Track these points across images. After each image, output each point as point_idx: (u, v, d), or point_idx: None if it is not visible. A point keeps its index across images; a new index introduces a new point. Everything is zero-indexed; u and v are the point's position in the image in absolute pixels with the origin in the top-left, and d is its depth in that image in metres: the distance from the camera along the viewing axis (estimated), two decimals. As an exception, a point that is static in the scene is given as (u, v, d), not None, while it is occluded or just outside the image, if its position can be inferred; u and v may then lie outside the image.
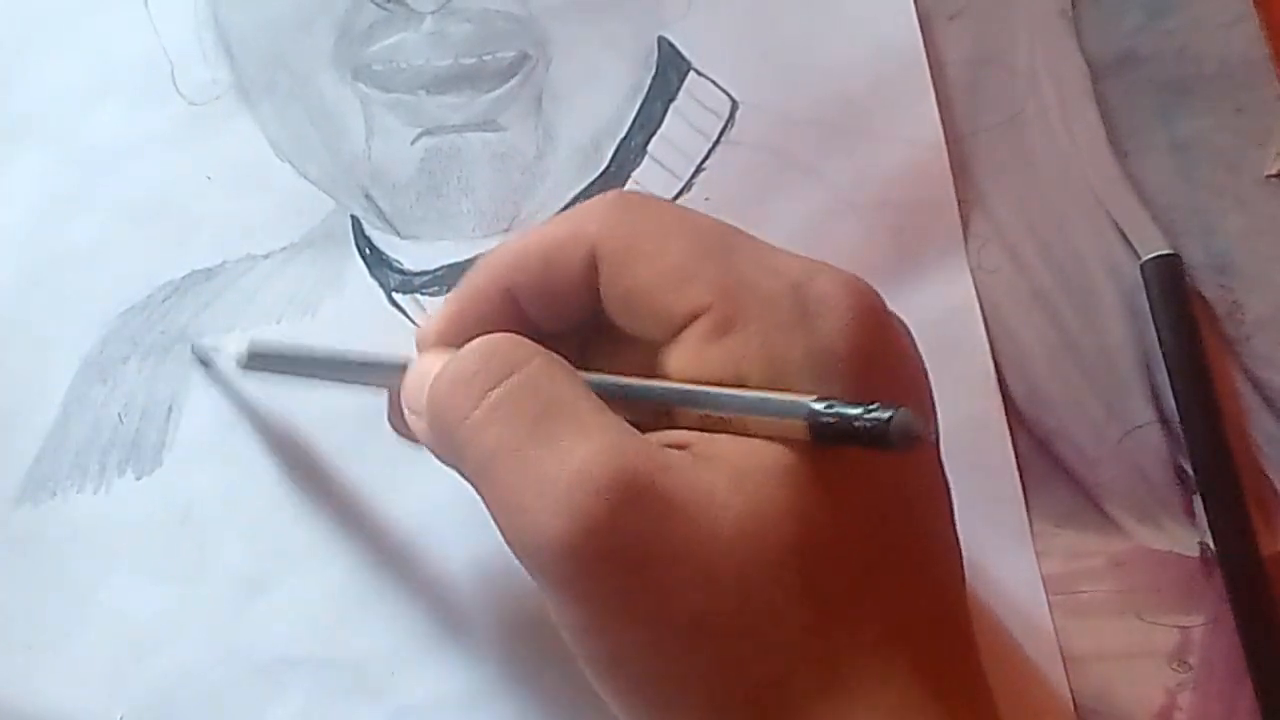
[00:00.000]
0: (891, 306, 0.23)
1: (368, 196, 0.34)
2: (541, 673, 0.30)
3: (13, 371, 0.33)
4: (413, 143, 0.34)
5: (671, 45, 0.34)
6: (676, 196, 0.33)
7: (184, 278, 0.34)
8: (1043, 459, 0.30)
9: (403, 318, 0.33)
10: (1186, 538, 0.30)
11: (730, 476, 0.20)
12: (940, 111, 0.32)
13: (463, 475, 0.23)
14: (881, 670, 0.20)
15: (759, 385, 0.21)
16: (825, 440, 0.20)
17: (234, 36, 0.35)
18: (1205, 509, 0.30)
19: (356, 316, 0.33)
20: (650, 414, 0.22)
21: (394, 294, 0.33)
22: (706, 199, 0.33)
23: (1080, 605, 0.29)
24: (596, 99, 0.33)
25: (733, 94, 0.33)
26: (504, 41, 0.34)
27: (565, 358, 0.23)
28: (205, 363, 0.32)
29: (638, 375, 0.23)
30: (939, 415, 0.25)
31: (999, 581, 0.29)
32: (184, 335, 0.33)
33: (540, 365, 0.22)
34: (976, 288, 0.32)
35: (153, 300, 0.34)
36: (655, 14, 0.34)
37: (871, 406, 0.20)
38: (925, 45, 0.33)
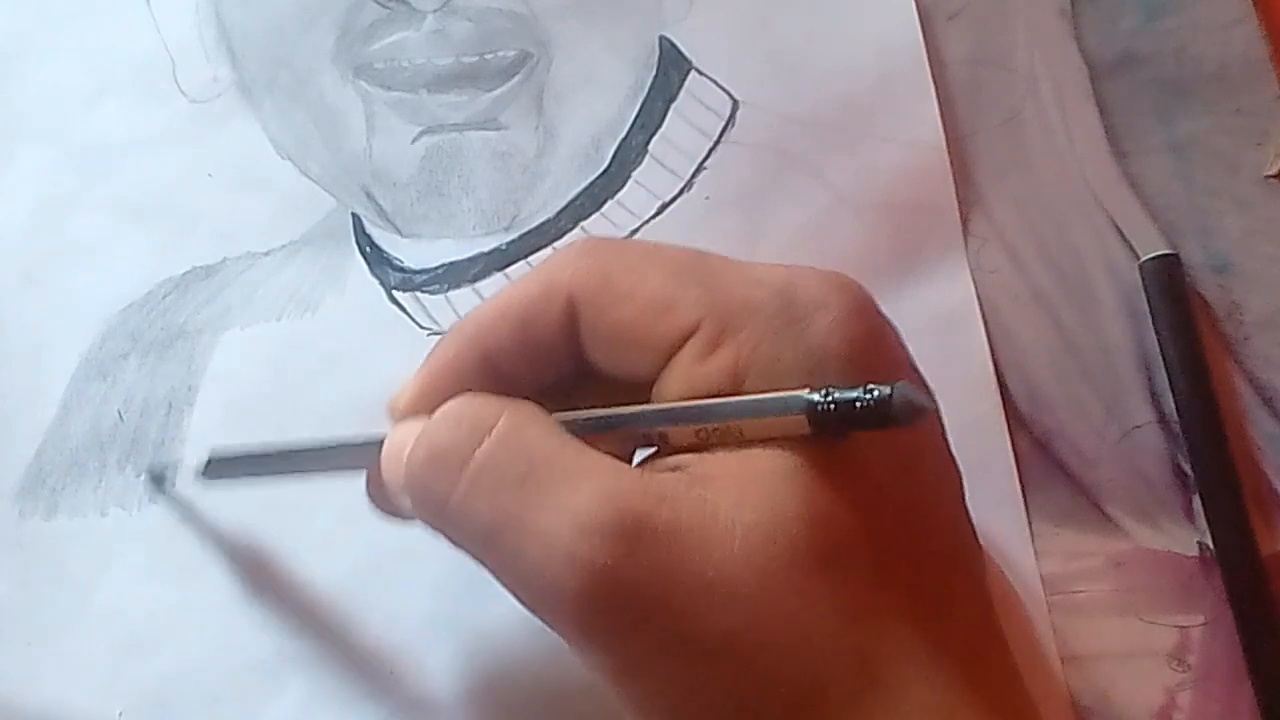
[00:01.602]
0: (891, 306, 0.23)
1: (368, 194, 0.33)
2: (540, 671, 0.29)
3: (12, 368, 0.33)
4: (414, 141, 0.33)
5: (673, 45, 0.33)
6: (677, 196, 0.32)
7: (184, 274, 0.33)
8: (1042, 459, 0.30)
9: (403, 316, 0.32)
10: (1185, 537, 0.29)
11: (731, 492, 0.20)
12: (940, 112, 0.32)
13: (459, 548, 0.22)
14: (919, 664, 0.20)
15: (755, 392, 0.21)
16: (827, 430, 0.20)
17: (236, 34, 0.34)
18: (1204, 509, 0.29)
19: (357, 314, 0.32)
20: (640, 444, 0.21)
21: (394, 292, 0.33)
22: (707, 198, 0.32)
23: (1079, 605, 0.29)
24: (597, 98, 0.33)
25: (734, 94, 0.33)
26: (505, 40, 0.33)
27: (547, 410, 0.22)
28: (158, 483, 0.31)
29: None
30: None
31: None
32: (184, 332, 0.33)
33: (511, 421, 0.21)
34: (976, 288, 0.31)
35: (153, 297, 0.33)
36: (656, 14, 0.33)
37: (869, 386, 0.19)
38: (924, 45, 0.32)
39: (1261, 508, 0.29)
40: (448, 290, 0.32)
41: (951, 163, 0.32)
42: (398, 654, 0.30)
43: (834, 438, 0.20)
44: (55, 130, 0.34)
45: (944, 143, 0.32)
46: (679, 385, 0.21)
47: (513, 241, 0.33)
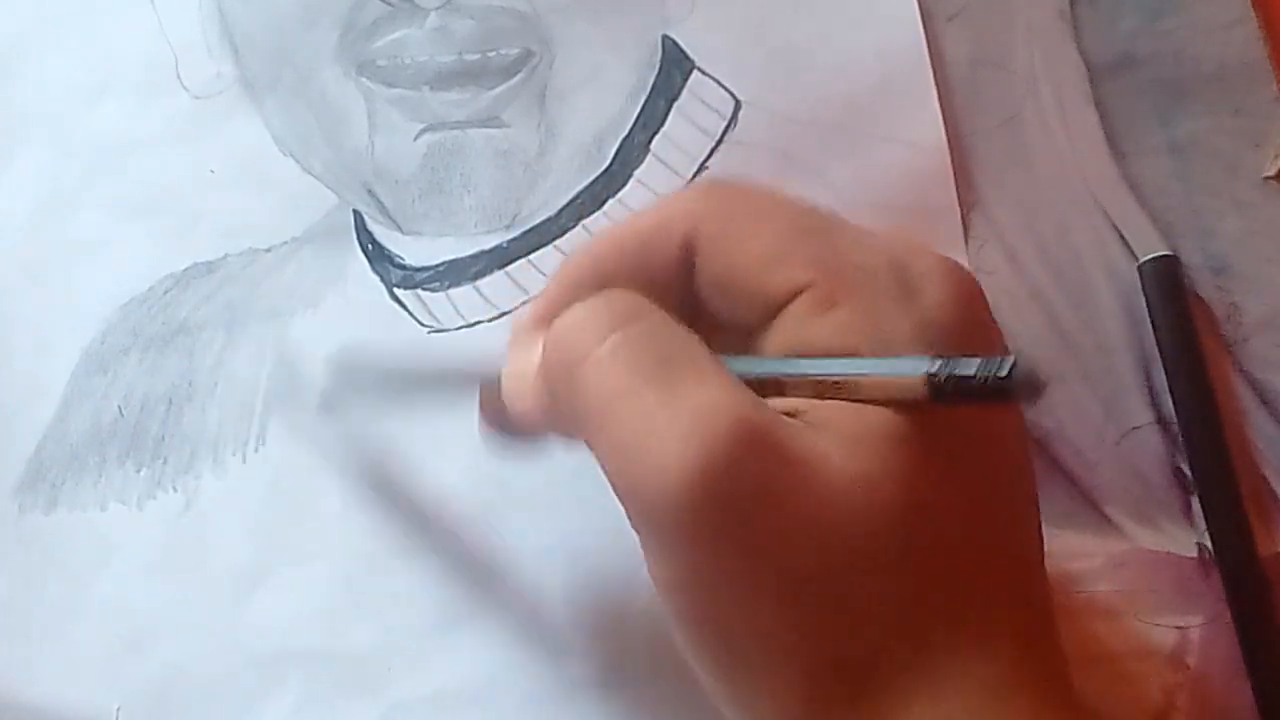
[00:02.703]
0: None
1: (370, 192, 0.33)
2: (539, 668, 0.29)
3: (14, 363, 0.33)
4: (416, 138, 0.33)
5: (675, 44, 0.33)
6: (678, 195, 0.32)
7: (185, 270, 0.33)
8: (1041, 460, 0.29)
9: (404, 313, 0.32)
10: (1184, 538, 0.29)
11: (842, 441, 0.20)
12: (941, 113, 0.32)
13: (572, 430, 0.22)
14: (976, 645, 0.20)
15: (867, 354, 0.21)
16: (945, 398, 0.19)
17: (239, 31, 0.34)
18: (1203, 510, 0.29)
19: (358, 311, 0.32)
20: (756, 389, 0.21)
21: (395, 289, 0.32)
22: (708, 197, 0.32)
23: (1078, 606, 0.28)
24: (600, 97, 0.32)
25: (736, 93, 0.32)
26: (508, 38, 0.33)
27: None
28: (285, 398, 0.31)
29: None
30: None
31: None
32: (185, 328, 0.32)
33: (662, 317, 0.21)
34: (975, 288, 0.31)
35: (154, 293, 0.33)
36: (659, 13, 0.33)
37: (991, 359, 0.19)
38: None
39: (1260, 509, 0.29)
40: (449, 288, 0.32)
41: (951, 163, 0.31)
42: (396, 651, 0.29)
43: (948, 405, 0.20)
44: (58, 126, 0.34)
45: (946, 144, 0.31)
46: (787, 339, 0.21)
47: (514, 239, 0.32)
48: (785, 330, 0.21)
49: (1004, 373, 0.19)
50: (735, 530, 0.19)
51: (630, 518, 0.21)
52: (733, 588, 0.20)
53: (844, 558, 0.20)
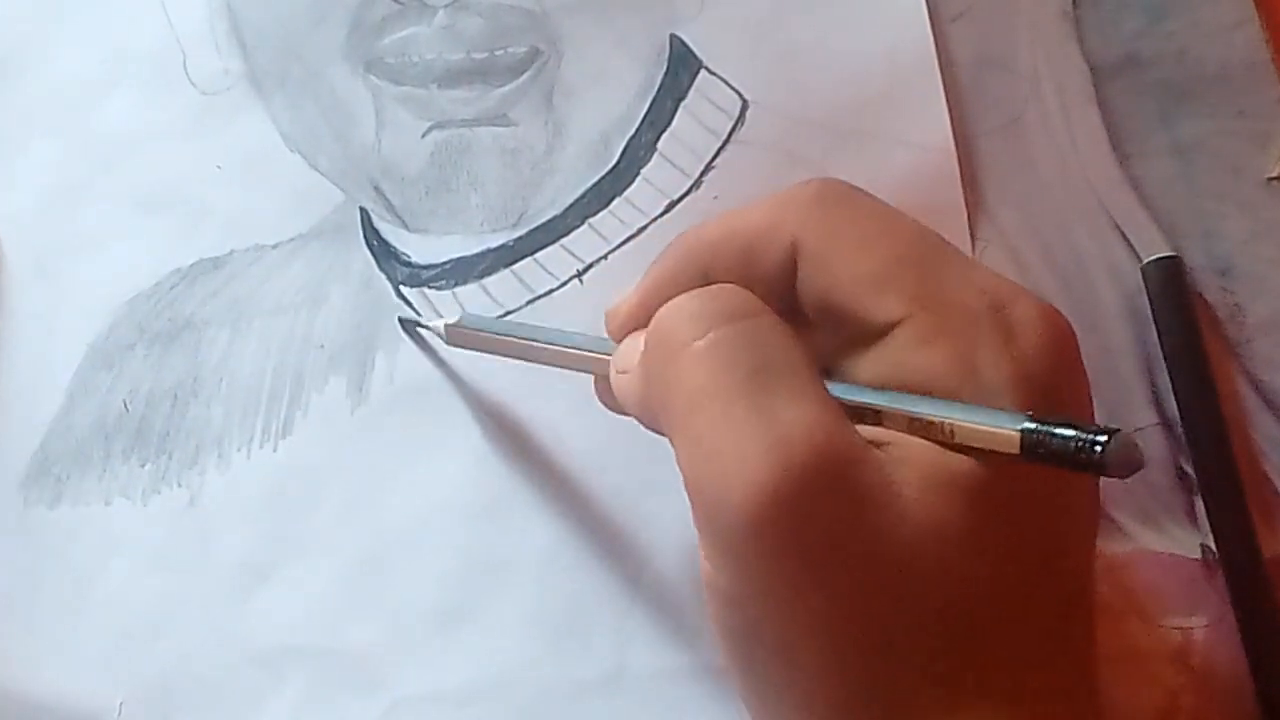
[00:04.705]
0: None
1: (377, 189, 0.32)
2: (540, 667, 0.28)
3: (21, 357, 0.32)
4: (423, 136, 0.32)
5: (683, 43, 0.32)
6: (685, 195, 0.31)
7: (192, 266, 0.32)
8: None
9: (409, 311, 0.31)
10: (1188, 540, 0.28)
11: (922, 485, 0.19)
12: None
13: (655, 422, 0.21)
14: (1010, 710, 0.19)
15: (963, 396, 0.20)
16: (1035, 457, 0.19)
17: (247, 27, 0.33)
18: (1207, 511, 0.28)
19: (363, 309, 0.31)
20: (851, 410, 0.21)
21: (401, 287, 0.31)
22: (715, 198, 0.31)
23: (1081, 605, 0.27)
24: (607, 95, 0.32)
25: (743, 93, 0.31)
26: (516, 36, 0.32)
27: None
28: (409, 334, 0.30)
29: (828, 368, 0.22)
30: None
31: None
32: (190, 323, 0.31)
33: (770, 320, 0.21)
34: (979, 289, 0.30)
35: (160, 288, 0.32)
36: (667, 12, 0.32)
37: (1089, 428, 0.18)
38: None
39: (1264, 510, 0.28)
40: (454, 286, 0.31)
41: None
42: (398, 648, 0.28)
43: (1036, 464, 0.19)
44: (66, 121, 0.33)
45: (953, 145, 0.30)
46: (884, 367, 0.21)
47: (520, 238, 0.31)
48: (883, 358, 0.21)
49: (1100, 447, 0.18)
50: (799, 555, 0.19)
51: (696, 517, 0.20)
52: (782, 608, 0.19)
53: (897, 604, 0.19)
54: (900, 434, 0.20)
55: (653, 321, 0.21)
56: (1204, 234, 0.30)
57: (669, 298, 0.22)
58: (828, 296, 0.21)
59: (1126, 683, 0.27)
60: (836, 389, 0.21)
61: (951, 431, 0.20)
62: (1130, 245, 0.30)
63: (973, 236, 0.30)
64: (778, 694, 0.20)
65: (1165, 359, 0.29)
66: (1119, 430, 0.18)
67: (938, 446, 0.20)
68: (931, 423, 0.20)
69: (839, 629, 0.19)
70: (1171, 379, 0.29)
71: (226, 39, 0.33)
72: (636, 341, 0.23)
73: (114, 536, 0.30)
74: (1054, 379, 0.20)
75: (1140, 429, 0.29)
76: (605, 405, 0.26)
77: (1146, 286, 0.29)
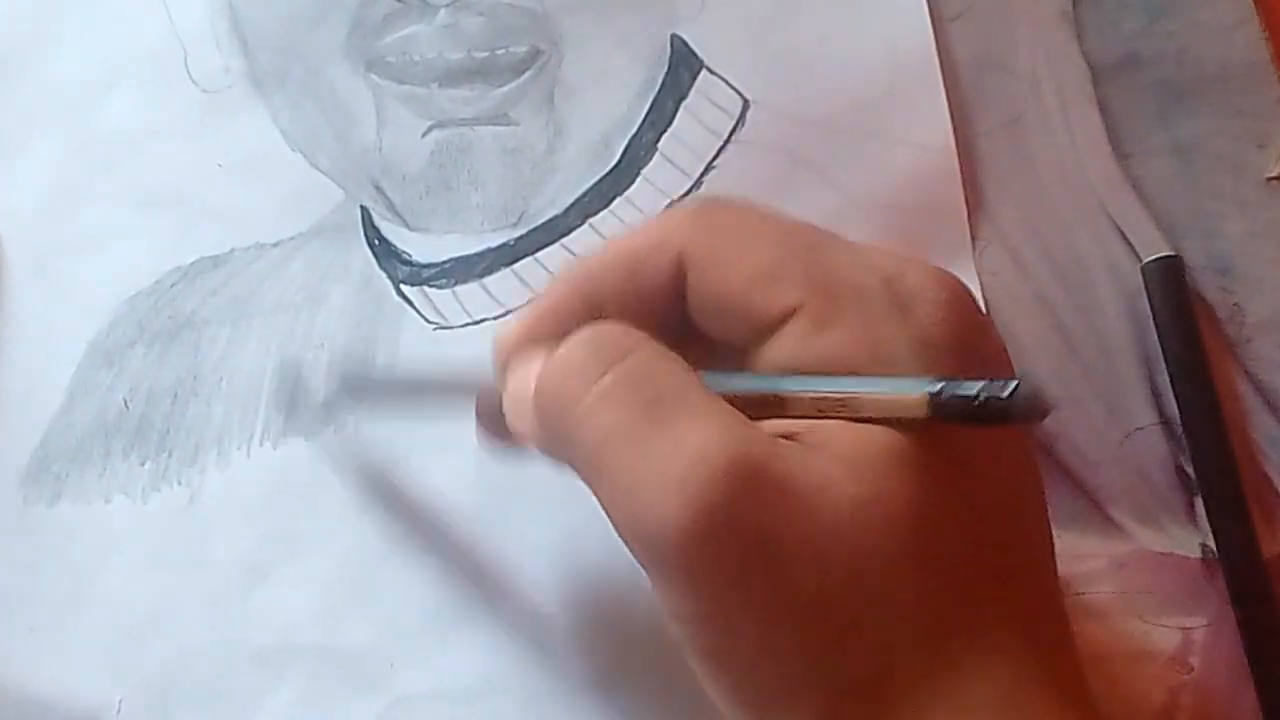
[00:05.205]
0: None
1: (378, 188, 0.32)
2: (540, 665, 0.28)
3: (21, 355, 0.32)
4: (424, 135, 0.31)
5: (684, 43, 0.32)
6: (685, 194, 0.31)
7: (192, 264, 0.32)
8: (1044, 461, 0.28)
9: (410, 310, 0.31)
10: (1188, 539, 0.28)
11: (844, 463, 0.19)
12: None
13: (571, 468, 0.21)
14: (993, 653, 0.19)
15: (865, 373, 0.20)
16: (947, 417, 0.19)
17: (248, 25, 0.33)
18: (1207, 511, 0.28)
19: (363, 307, 0.31)
20: (754, 408, 0.20)
21: (402, 285, 0.31)
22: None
23: (1082, 607, 0.27)
24: (608, 95, 0.31)
25: (744, 93, 0.31)
26: (517, 36, 0.32)
27: None
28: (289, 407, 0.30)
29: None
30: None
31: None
32: (191, 322, 0.31)
33: (651, 352, 0.21)
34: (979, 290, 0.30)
35: (160, 286, 0.32)
36: (668, 12, 0.32)
37: (994, 381, 0.18)
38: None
39: (1264, 509, 0.28)
40: (455, 285, 0.31)
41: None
42: (398, 647, 0.28)
43: (951, 424, 0.19)
44: (66, 119, 0.33)
45: (953, 146, 0.30)
46: (786, 358, 0.20)
47: (521, 237, 0.31)
48: (780, 350, 0.21)
49: (1006, 394, 0.18)
50: (741, 567, 0.19)
51: (634, 554, 0.20)
52: (744, 621, 0.19)
53: (854, 580, 0.19)
54: (811, 422, 0.20)
55: (538, 383, 0.22)
56: (1203, 233, 0.30)
57: (556, 326, 0.22)
58: (720, 300, 0.21)
59: (1126, 683, 0.27)
60: (737, 381, 0.21)
61: (860, 404, 0.20)
62: (1130, 245, 0.30)
63: (973, 236, 0.30)
64: (763, 707, 0.20)
65: (1165, 359, 0.29)
66: (1024, 377, 0.18)
67: (853, 425, 0.20)
68: (838, 399, 0.20)
69: (804, 627, 0.19)
70: (1171, 379, 0.29)
71: (227, 37, 0.33)
72: (525, 371, 0.23)
73: (114, 534, 0.30)
74: (956, 339, 0.20)
75: (1140, 429, 0.29)
76: (489, 438, 0.25)
77: (1146, 286, 0.29)
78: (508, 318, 0.25)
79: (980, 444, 0.20)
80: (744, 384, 0.21)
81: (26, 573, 0.30)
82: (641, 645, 0.27)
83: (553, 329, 0.22)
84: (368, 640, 0.28)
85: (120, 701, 0.29)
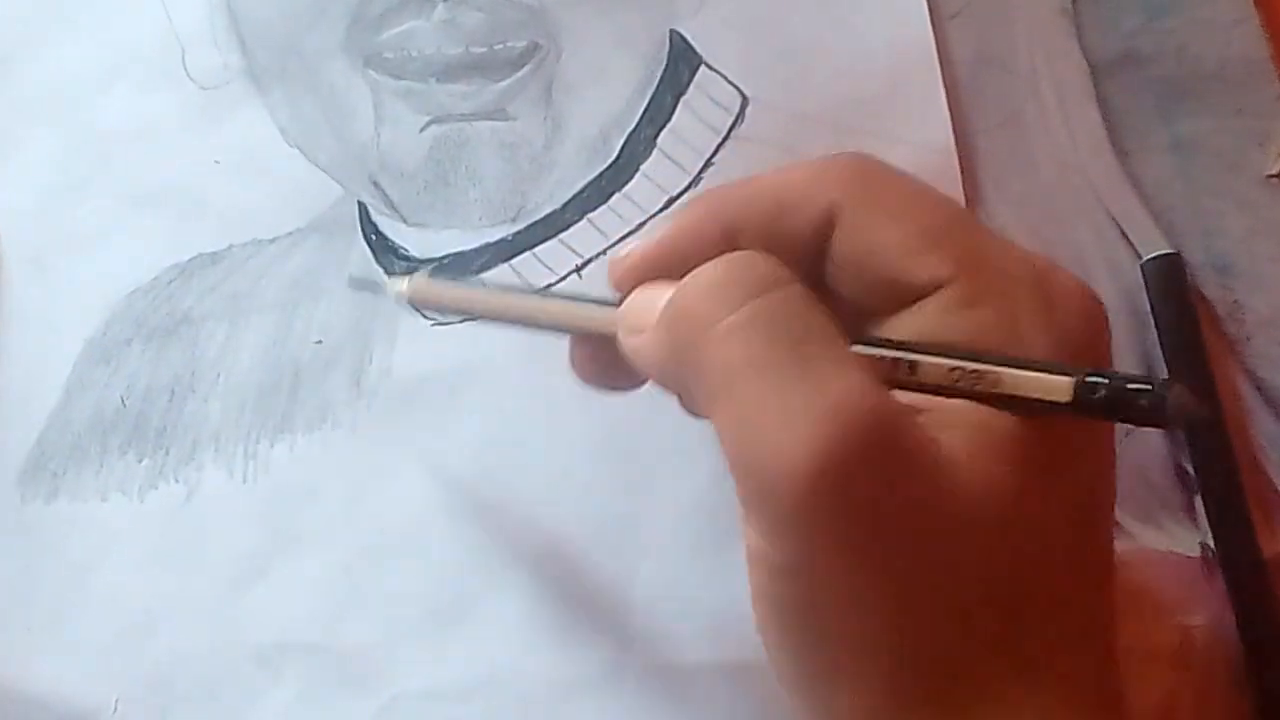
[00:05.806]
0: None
1: (375, 183, 0.31)
2: (538, 665, 0.27)
3: (18, 352, 0.31)
4: (421, 130, 0.31)
5: (683, 39, 0.31)
6: (684, 190, 0.30)
7: (190, 261, 0.31)
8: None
9: (408, 305, 0.30)
10: (1188, 538, 0.28)
11: (968, 443, 0.19)
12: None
13: (687, 393, 0.20)
14: (1069, 657, 0.19)
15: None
16: (1089, 407, 0.19)
17: (246, 22, 0.33)
18: (1206, 509, 0.27)
19: (361, 303, 0.30)
20: (884, 373, 0.20)
21: (400, 281, 0.31)
22: (713, 194, 0.30)
23: (1082, 604, 0.27)
24: (606, 91, 0.31)
25: (743, 89, 0.31)
26: (515, 31, 0.31)
27: None
28: (370, 291, 0.29)
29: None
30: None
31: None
32: (188, 318, 0.31)
33: (802, 291, 0.20)
34: (978, 287, 0.29)
35: (158, 283, 0.31)
36: (667, 8, 0.31)
37: (1148, 378, 0.18)
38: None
39: (1263, 508, 0.27)
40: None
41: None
42: (395, 645, 0.28)
43: (1083, 416, 0.19)
44: (64, 116, 0.33)
45: (953, 143, 0.30)
46: (925, 329, 0.20)
47: (519, 233, 0.31)
48: (920, 321, 0.20)
49: (1161, 394, 0.18)
50: (855, 523, 0.18)
51: (741, 494, 0.19)
52: (839, 578, 0.19)
53: (955, 561, 0.19)
54: (936, 399, 0.19)
55: (676, 294, 0.20)
56: (1203, 231, 0.29)
57: (687, 251, 0.21)
58: (867, 259, 0.20)
59: (1126, 682, 0.27)
60: (877, 344, 0.20)
61: (997, 381, 0.19)
62: (1129, 242, 0.30)
63: (972, 234, 0.30)
64: (830, 670, 0.19)
65: (1164, 356, 0.28)
66: (1173, 381, 0.18)
67: (977, 406, 0.19)
68: (977, 372, 0.19)
69: (897, 596, 0.19)
70: (1171, 377, 0.28)
71: (225, 34, 0.33)
72: (649, 296, 0.21)
73: (110, 532, 0.29)
74: (1092, 351, 0.20)
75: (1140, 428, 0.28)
76: (583, 377, 0.24)
77: (1146, 284, 0.29)
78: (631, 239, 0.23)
79: (1077, 447, 0.20)
80: (879, 348, 0.20)
81: (23, 570, 0.30)
82: (638, 644, 0.27)
83: (682, 255, 0.21)
84: (365, 638, 0.28)
85: (117, 700, 0.28)
